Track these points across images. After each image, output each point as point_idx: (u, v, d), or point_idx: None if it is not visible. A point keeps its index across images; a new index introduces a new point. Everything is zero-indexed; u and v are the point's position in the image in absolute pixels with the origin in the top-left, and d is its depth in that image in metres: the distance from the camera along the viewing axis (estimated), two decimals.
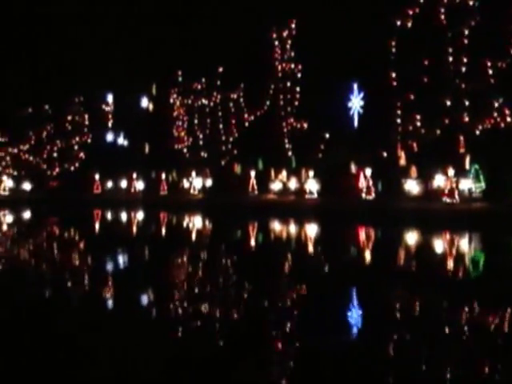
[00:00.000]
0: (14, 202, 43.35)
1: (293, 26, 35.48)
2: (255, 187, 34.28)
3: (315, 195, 29.96)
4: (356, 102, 31.70)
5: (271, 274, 13.62)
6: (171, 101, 43.41)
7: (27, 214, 38.91)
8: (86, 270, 15.69)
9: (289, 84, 35.88)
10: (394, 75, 29.09)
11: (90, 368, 7.25)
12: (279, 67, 36.13)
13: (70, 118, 50.77)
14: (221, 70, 40.03)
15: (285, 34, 35.74)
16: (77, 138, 50.56)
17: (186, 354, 7.78)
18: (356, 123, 31.76)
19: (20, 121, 51.90)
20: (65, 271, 15.32)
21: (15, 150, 53.02)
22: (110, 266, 16.14)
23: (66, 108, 50.60)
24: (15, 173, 52.23)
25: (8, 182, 49.34)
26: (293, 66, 35.77)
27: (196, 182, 37.95)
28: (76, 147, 50.58)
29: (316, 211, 26.95)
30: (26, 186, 49.49)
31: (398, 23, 28.79)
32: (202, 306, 10.61)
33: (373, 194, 27.51)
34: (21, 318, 9.82)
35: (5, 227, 28.75)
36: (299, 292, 11.73)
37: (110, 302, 11.58)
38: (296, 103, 35.59)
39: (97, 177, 44.60)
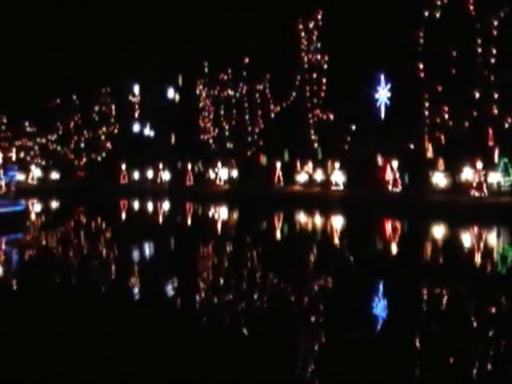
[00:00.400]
0: (42, 191, 43.95)
1: (319, 16, 35.28)
2: (281, 178, 34.26)
3: (341, 187, 29.85)
4: (383, 94, 31.48)
5: (296, 266, 13.67)
6: (197, 92, 43.54)
7: (55, 203, 39.46)
8: (112, 259, 15.94)
9: (315, 75, 35.72)
10: (421, 66, 28.82)
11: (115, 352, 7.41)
12: (305, 58, 35.96)
13: (97, 108, 51.24)
14: (247, 60, 40.01)
15: (311, 24, 35.55)
16: (104, 129, 51.04)
17: (213, 342, 7.90)
18: (383, 115, 31.54)
19: (48, 111, 52.51)
20: (91, 259, 15.60)
21: (43, 140, 53.71)
22: (135, 255, 16.36)
23: (94, 99, 51.07)
24: (43, 162, 52.92)
25: (36, 172, 50.00)
26: (319, 56, 35.58)
27: (222, 173, 38.08)
28: (103, 137, 51.05)
29: (342, 203, 26.87)
30: (54, 175, 50.11)
31: (426, 13, 28.48)
32: (228, 295, 10.74)
33: (399, 187, 27.31)
34: (49, 304, 10.05)
35: (33, 216, 29.17)
36: (324, 284, 11.78)
37: (136, 290, 11.78)
38: (322, 94, 35.45)
39: (123, 167, 44.99)
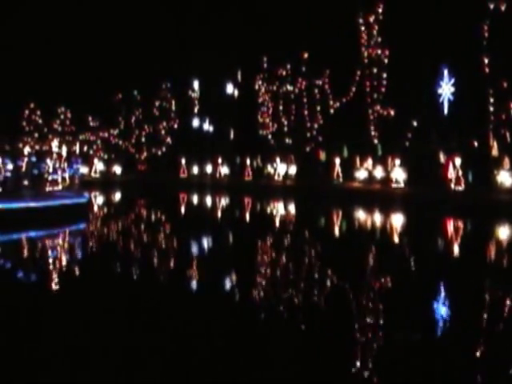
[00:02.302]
0: (104, 184, 45.05)
1: (380, 10, 34.76)
2: (340, 175, 34.03)
3: (402, 184, 29.31)
4: (446, 89, 30.74)
5: (354, 264, 13.53)
6: (256, 87, 43.64)
7: (117, 196, 40.37)
8: (171, 250, 16.19)
9: (375, 70, 35.23)
10: (486, 61, 28.01)
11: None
12: (365, 53, 35.50)
13: (157, 103, 52.16)
14: (306, 55, 39.84)
15: (371, 18, 35.08)
16: (164, 123, 51.94)
17: (270, 337, 7.92)
18: (446, 110, 30.84)
19: (110, 106, 53.76)
20: (151, 250, 15.89)
21: (106, 134, 55.05)
22: (194, 248, 16.57)
23: (154, 94, 51.98)
24: (106, 156, 54.22)
25: (99, 165, 51.23)
26: (379, 51, 35.08)
27: (280, 168, 38.08)
28: (163, 132, 51.99)
29: (402, 201, 26.40)
30: (116, 168, 51.26)
31: (491, 6, 27.63)
32: (284, 291, 10.75)
33: (462, 185, 26.63)
34: (112, 293, 10.29)
35: (96, 208, 29.89)
36: (382, 284, 11.62)
37: (194, 282, 11.94)
38: (383, 89, 34.94)
39: (183, 161, 45.66)
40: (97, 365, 7.08)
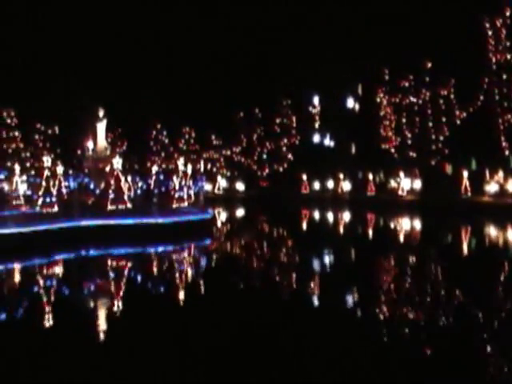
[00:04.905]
0: (227, 201, 46.05)
1: (507, 13, 33.18)
2: (468, 188, 32.50)
3: None
4: None
5: (487, 285, 12.72)
6: (378, 100, 42.94)
7: (239, 212, 41.05)
8: (294, 267, 16.06)
9: (505, 76, 33.64)
10: None
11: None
12: (493, 59, 33.96)
13: (278, 120, 52.78)
14: (429, 65, 38.74)
15: (499, 22, 33.54)
16: (285, 140, 52.44)
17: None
18: None
19: (233, 125, 55.13)
20: (273, 266, 15.87)
21: (228, 152, 56.46)
22: (316, 265, 16.35)
23: (275, 111, 52.68)
24: (228, 173, 55.55)
25: (222, 182, 52.54)
26: (509, 56, 33.48)
27: (404, 183, 37.02)
28: (284, 149, 52.49)
29: None
30: (239, 185, 52.30)
31: None
32: (410, 311, 10.30)
33: None
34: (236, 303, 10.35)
35: (220, 223, 30.49)
36: None
37: (315, 298, 11.75)
38: None
39: (304, 177, 45.71)
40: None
